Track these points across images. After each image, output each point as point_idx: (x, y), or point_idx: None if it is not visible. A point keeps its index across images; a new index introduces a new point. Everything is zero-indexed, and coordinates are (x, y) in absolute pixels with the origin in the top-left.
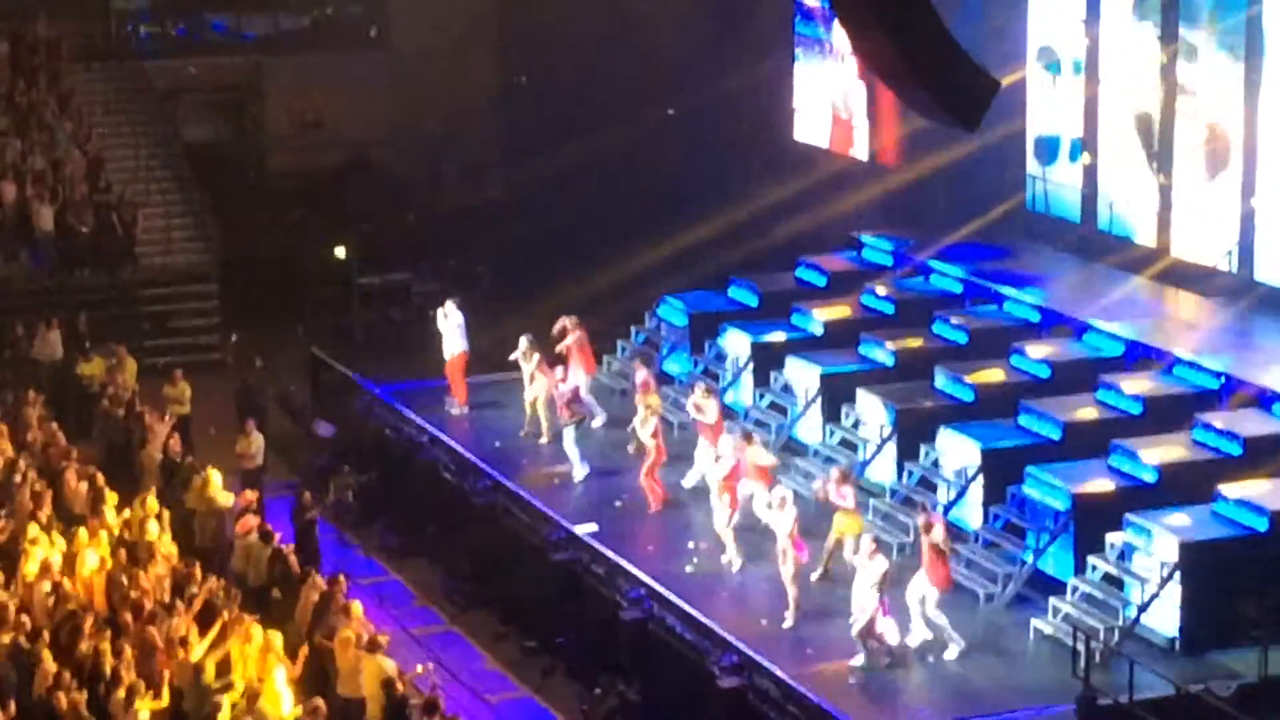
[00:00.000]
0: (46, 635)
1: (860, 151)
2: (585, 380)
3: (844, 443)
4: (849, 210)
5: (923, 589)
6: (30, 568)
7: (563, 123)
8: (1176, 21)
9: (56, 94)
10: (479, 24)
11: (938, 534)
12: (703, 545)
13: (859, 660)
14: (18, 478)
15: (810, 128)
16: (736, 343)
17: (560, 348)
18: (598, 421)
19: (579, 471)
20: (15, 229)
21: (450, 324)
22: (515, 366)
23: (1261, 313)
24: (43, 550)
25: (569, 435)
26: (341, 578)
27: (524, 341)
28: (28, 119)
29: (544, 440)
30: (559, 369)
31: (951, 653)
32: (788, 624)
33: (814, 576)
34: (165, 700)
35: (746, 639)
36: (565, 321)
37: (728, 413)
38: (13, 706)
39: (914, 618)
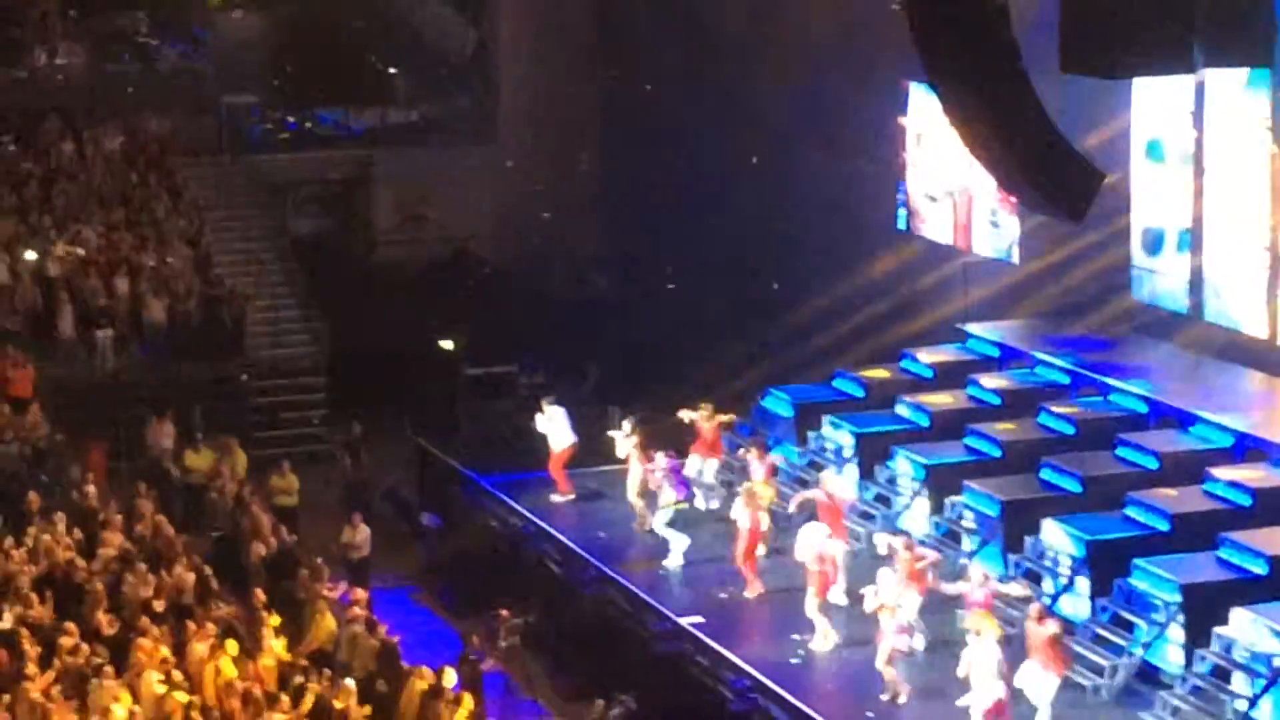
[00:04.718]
0: None
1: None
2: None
3: (949, 534)
4: (954, 303)
5: (1038, 677)
6: (140, 660)
7: (667, 217)
8: None
9: (168, 188)
10: (584, 119)
11: (1051, 626)
12: (807, 636)
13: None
14: (129, 570)
15: (921, 218)
16: (841, 435)
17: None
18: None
19: (673, 559)
20: (127, 322)
21: (554, 423)
22: (617, 457)
23: None
24: (152, 641)
25: (661, 519)
26: (449, 669)
27: (627, 425)
28: (139, 213)
29: (645, 526)
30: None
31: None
32: (902, 699)
33: None
34: None
35: None
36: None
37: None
38: None
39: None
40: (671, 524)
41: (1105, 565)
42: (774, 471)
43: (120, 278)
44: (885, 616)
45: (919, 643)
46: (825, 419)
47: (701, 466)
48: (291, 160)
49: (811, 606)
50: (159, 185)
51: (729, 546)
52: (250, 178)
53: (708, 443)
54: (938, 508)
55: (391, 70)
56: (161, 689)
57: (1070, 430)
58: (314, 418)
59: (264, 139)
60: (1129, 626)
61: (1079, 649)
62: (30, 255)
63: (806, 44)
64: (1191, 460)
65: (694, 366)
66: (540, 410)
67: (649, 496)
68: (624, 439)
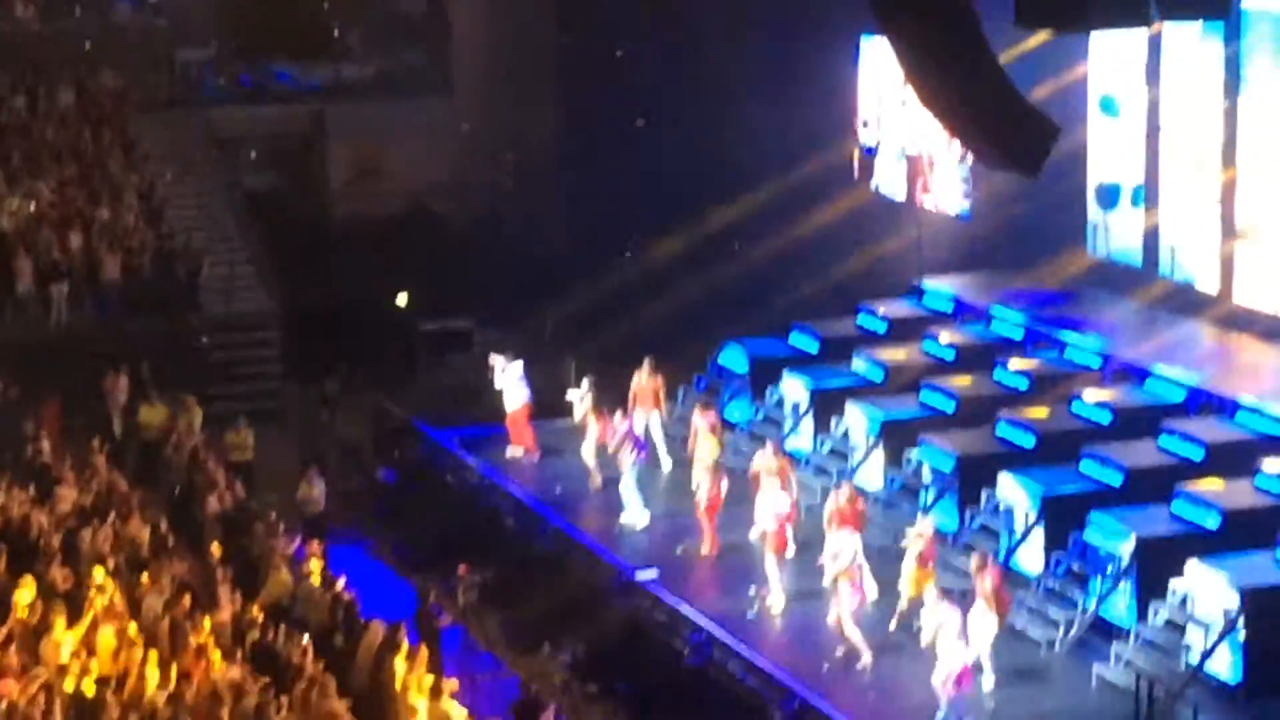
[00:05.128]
0: (113, 682)
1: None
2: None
3: (904, 488)
4: (910, 256)
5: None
6: (95, 613)
7: (624, 170)
8: (1239, 70)
9: (121, 143)
10: (540, 73)
11: (988, 580)
12: (763, 590)
13: (940, 714)
14: (83, 524)
15: (877, 174)
16: (796, 389)
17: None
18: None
19: (640, 518)
20: (81, 277)
21: (509, 377)
22: (574, 419)
23: None
24: (108, 596)
25: (628, 479)
26: (403, 624)
27: (584, 384)
28: (93, 168)
29: (598, 486)
30: (618, 414)
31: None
32: (864, 660)
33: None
34: None
35: (807, 683)
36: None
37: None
38: None
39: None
40: (634, 486)
41: (1060, 518)
42: (719, 426)
43: (74, 233)
44: (843, 581)
45: (870, 591)
46: (781, 373)
47: (646, 421)
48: (246, 115)
49: (770, 564)
50: (112, 140)
51: (684, 502)
52: (204, 133)
53: (649, 398)
54: (893, 462)
55: (345, 25)
56: (116, 643)
57: (1025, 385)
58: (269, 373)
59: (218, 94)
60: (1084, 579)
61: (1033, 602)
62: None
63: None
64: (1145, 414)
65: (650, 321)
66: (490, 364)
67: (603, 457)
68: (580, 400)
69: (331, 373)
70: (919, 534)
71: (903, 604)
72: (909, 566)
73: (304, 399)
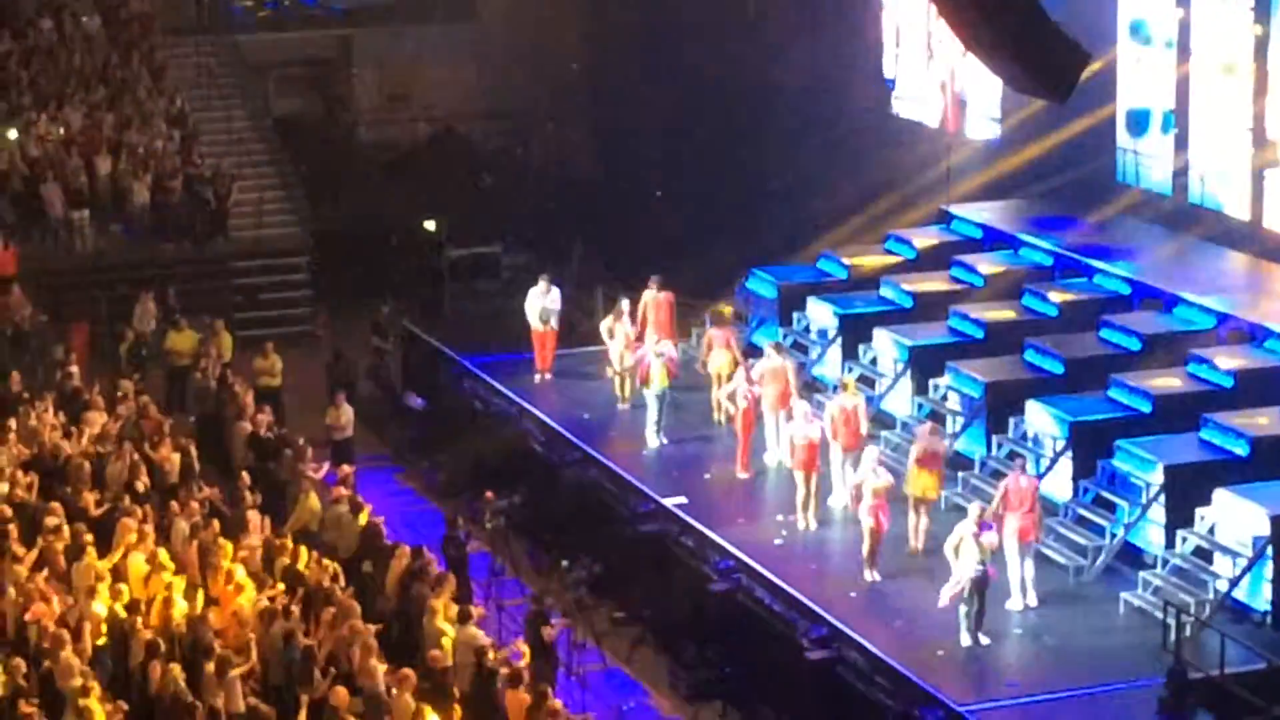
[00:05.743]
0: (142, 606)
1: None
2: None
3: (932, 415)
4: (939, 185)
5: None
6: (125, 538)
7: (652, 97)
8: None
9: (149, 68)
10: None
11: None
12: (791, 517)
13: (964, 640)
14: (113, 449)
15: (906, 101)
16: (824, 316)
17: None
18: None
19: (651, 441)
20: (110, 202)
21: (549, 300)
22: (609, 338)
23: None
24: (138, 522)
25: (651, 403)
26: (430, 550)
27: (625, 305)
28: (121, 93)
29: (627, 405)
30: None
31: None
32: (875, 578)
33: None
34: (253, 661)
35: (835, 611)
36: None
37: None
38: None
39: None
40: (661, 405)
41: (1088, 446)
42: (729, 341)
43: (103, 157)
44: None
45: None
46: (809, 300)
47: (661, 341)
48: (272, 40)
49: (800, 491)
50: (140, 65)
51: (712, 426)
52: (231, 58)
53: (661, 321)
54: (921, 389)
55: None
56: (146, 568)
57: (1053, 312)
58: (298, 299)
59: (245, 18)
60: (1111, 507)
61: (1061, 529)
62: (13, 134)
63: None
64: (1174, 341)
65: (679, 247)
66: (535, 285)
67: (635, 378)
68: (620, 321)
69: (382, 299)
70: (921, 437)
71: (909, 497)
72: (910, 469)
73: (332, 324)
